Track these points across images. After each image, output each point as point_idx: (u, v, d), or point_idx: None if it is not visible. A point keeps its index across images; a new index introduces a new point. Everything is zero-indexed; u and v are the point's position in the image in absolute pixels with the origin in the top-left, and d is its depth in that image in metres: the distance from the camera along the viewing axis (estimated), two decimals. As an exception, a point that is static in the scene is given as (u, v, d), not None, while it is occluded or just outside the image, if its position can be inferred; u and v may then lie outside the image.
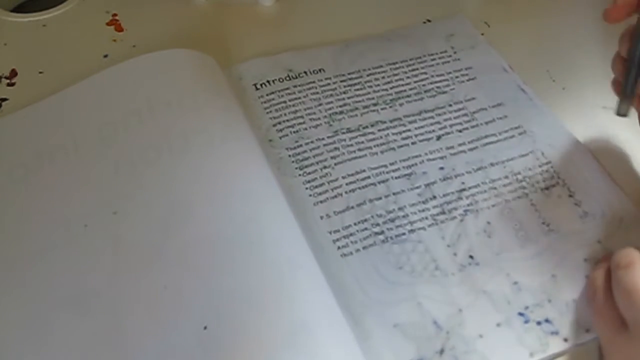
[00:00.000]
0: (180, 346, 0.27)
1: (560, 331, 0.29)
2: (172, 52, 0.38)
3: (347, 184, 0.34)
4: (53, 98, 0.37)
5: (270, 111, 0.38)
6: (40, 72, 0.40)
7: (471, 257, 0.32)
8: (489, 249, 0.32)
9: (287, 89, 0.39)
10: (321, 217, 0.33)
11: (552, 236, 0.33)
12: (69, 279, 0.29)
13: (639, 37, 0.30)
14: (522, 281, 0.31)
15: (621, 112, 0.33)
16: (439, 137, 0.37)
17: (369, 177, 0.35)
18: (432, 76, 0.41)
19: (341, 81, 0.40)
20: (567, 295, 0.30)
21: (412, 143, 0.37)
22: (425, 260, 0.31)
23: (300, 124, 0.37)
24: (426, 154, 0.36)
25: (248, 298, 0.28)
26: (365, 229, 0.32)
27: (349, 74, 0.40)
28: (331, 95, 0.39)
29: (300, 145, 0.36)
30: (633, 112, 0.32)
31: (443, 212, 0.33)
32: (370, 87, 0.40)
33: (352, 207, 0.33)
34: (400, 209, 0.33)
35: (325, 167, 0.35)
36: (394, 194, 0.34)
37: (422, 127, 0.38)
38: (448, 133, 0.37)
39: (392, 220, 0.33)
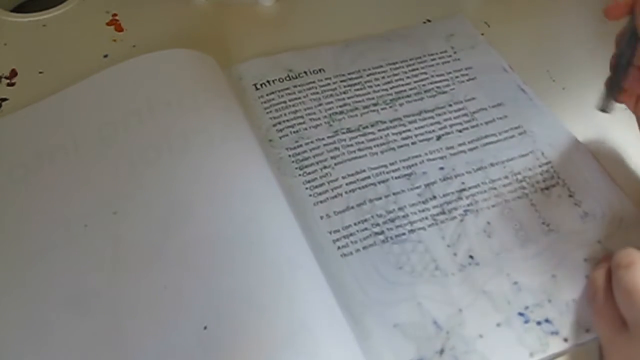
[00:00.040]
0: (180, 346, 0.27)
1: (560, 331, 0.29)
2: (172, 52, 0.38)
3: (347, 184, 0.34)
4: (53, 98, 0.37)
5: (270, 111, 0.38)
6: (40, 72, 0.40)
7: (471, 257, 0.32)
8: (489, 249, 0.32)
9: (287, 89, 0.39)
10: (321, 217, 0.33)
11: (552, 236, 0.33)
12: (69, 279, 0.29)
13: (628, 37, 0.31)
14: (522, 281, 0.31)
15: (604, 108, 0.33)
16: (439, 137, 0.37)
17: (369, 177, 0.35)
18: (432, 76, 0.41)
19: (341, 81, 0.40)
20: (567, 295, 0.30)
21: (412, 143, 0.37)
22: (425, 260, 0.31)
23: (300, 124, 0.37)
24: (426, 154, 0.36)
25: (248, 298, 0.28)
26: (365, 229, 0.32)
27: (349, 74, 0.40)
28: (331, 95, 0.39)
29: (300, 145, 0.36)
30: (630, 115, 0.32)
31: (443, 212, 0.33)
32: (370, 87, 0.40)
33: (352, 207, 0.33)
34: (400, 209, 0.33)
35: (325, 167, 0.35)
36: (394, 194, 0.34)
37: (422, 127, 0.38)
38: (448, 133, 0.37)
39: (392, 220, 0.33)
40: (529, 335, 0.29)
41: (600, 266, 0.30)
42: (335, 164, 0.35)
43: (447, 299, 0.30)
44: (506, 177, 0.35)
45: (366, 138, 0.37)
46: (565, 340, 0.29)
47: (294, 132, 0.37)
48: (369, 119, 0.38)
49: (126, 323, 0.27)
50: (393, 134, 0.37)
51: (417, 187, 0.34)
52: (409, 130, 0.37)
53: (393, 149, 0.36)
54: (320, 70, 0.40)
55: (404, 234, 0.32)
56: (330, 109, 0.38)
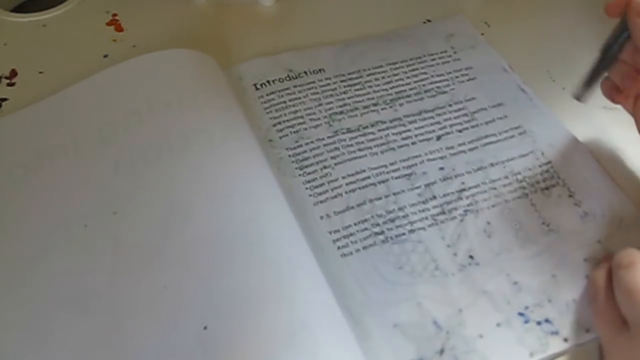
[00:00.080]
0: (180, 346, 0.27)
1: (560, 331, 0.29)
2: (172, 52, 0.38)
3: (347, 184, 0.34)
4: (53, 98, 0.37)
5: (270, 111, 0.38)
6: (40, 72, 0.40)
7: (471, 257, 0.32)
8: (489, 249, 0.32)
9: (287, 89, 0.39)
10: (321, 217, 0.33)
11: (552, 236, 0.33)
12: (69, 279, 0.29)
13: (619, 33, 0.31)
14: (522, 281, 0.31)
15: (579, 97, 0.33)
16: (439, 137, 0.37)
17: (369, 177, 0.35)
18: (432, 76, 0.41)
19: (341, 81, 0.40)
20: (567, 295, 0.30)
21: (412, 143, 0.37)
22: (425, 260, 0.31)
23: (300, 124, 0.37)
24: (426, 154, 0.36)
25: (248, 298, 0.28)
26: (365, 229, 0.32)
27: (349, 74, 0.40)
28: (331, 95, 0.39)
29: (300, 145, 0.36)
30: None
31: (443, 212, 0.33)
32: (370, 87, 0.40)
33: (352, 207, 0.33)
34: (400, 209, 0.33)
35: (325, 167, 0.35)
36: (394, 194, 0.34)
37: (422, 127, 0.38)
38: (448, 133, 0.37)
39: (392, 221, 0.33)
40: (529, 335, 0.29)
41: (600, 266, 0.30)
42: (335, 164, 0.35)
43: (447, 299, 0.30)
44: (506, 177, 0.35)
45: (366, 138, 0.37)
46: (565, 340, 0.29)
47: (294, 132, 0.37)
48: (369, 119, 0.38)
49: (126, 323, 0.27)
50: (393, 134, 0.37)
51: (417, 187, 0.34)
52: (409, 130, 0.37)
53: (393, 149, 0.36)
54: (320, 70, 0.40)
55: (404, 234, 0.32)
56: (330, 109, 0.38)
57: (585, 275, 0.31)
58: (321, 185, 0.34)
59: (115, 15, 0.44)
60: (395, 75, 0.40)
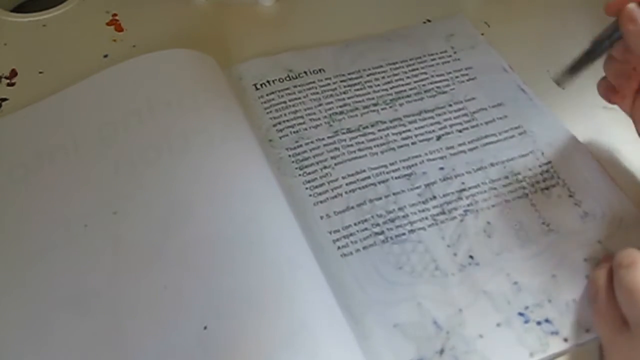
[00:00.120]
0: (180, 346, 0.27)
1: (560, 331, 0.29)
2: (172, 52, 0.38)
3: (347, 184, 0.34)
4: (53, 98, 0.37)
5: (270, 111, 0.38)
6: (40, 72, 0.40)
7: (471, 257, 0.32)
8: (489, 249, 0.32)
9: (287, 89, 0.39)
10: (321, 217, 0.33)
11: (552, 236, 0.33)
12: (69, 279, 0.29)
13: (612, 31, 0.31)
14: (522, 281, 0.31)
15: (559, 82, 0.33)
16: (439, 137, 0.37)
17: (369, 177, 0.35)
18: (432, 76, 0.41)
19: (341, 81, 0.40)
20: (567, 295, 0.30)
21: (412, 143, 0.37)
22: (425, 261, 0.31)
23: (300, 124, 0.37)
24: (426, 154, 0.36)
25: (248, 298, 0.28)
26: (365, 229, 0.32)
27: (349, 74, 0.40)
28: (331, 95, 0.39)
29: (300, 146, 0.36)
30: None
31: (443, 212, 0.33)
32: (370, 87, 0.40)
33: (352, 207, 0.33)
34: (400, 209, 0.33)
35: (325, 167, 0.35)
36: (394, 194, 0.34)
37: (422, 127, 0.38)
38: (448, 133, 0.37)
39: (392, 221, 0.33)
40: (529, 335, 0.29)
41: (601, 266, 0.30)
42: (336, 164, 0.35)
43: (447, 299, 0.30)
44: (506, 177, 0.35)
45: (366, 138, 0.37)
46: (565, 340, 0.29)
47: (294, 132, 0.37)
48: (369, 119, 0.38)
49: (126, 323, 0.27)
50: (393, 134, 0.37)
51: (417, 187, 0.34)
52: (409, 130, 0.37)
53: (393, 149, 0.36)
54: (320, 70, 0.40)
55: (404, 234, 0.32)
56: (330, 109, 0.38)
57: (585, 275, 0.31)
58: (321, 185, 0.34)
59: (115, 15, 0.44)
60: (395, 75, 0.40)
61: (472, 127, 0.38)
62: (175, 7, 0.45)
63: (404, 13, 0.46)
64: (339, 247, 0.31)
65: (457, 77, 0.41)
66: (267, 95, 0.38)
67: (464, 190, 0.34)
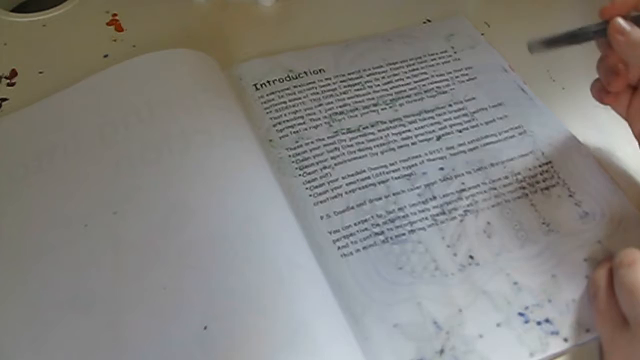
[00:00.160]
0: (180, 346, 0.27)
1: (560, 331, 0.29)
2: (172, 52, 0.38)
3: (347, 184, 0.34)
4: (53, 98, 0.37)
5: (270, 111, 0.38)
6: (40, 72, 0.40)
7: (471, 257, 0.32)
8: (489, 249, 0.32)
9: (287, 89, 0.39)
10: (321, 217, 0.33)
11: (552, 236, 0.33)
12: (69, 279, 0.29)
13: (602, 28, 0.31)
14: (522, 281, 0.31)
15: (531, 48, 0.33)
16: (439, 137, 0.37)
17: (369, 178, 0.35)
18: (432, 76, 0.41)
19: (341, 81, 0.40)
20: (567, 295, 0.30)
21: (412, 143, 0.37)
22: (425, 261, 0.31)
23: (300, 124, 0.37)
24: (426, 154, 0.36)
25: (248, 298, 0.28)
26: (365, 229, 0.32)
27: (349, 74, 0.40)
28: (331, 95, 0.39)
29: (300, 146, 0.36)
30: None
31: (443, 213, 0.33)
32: (370, 87, 0.40)
33: (352, 208, 0.33)
34: (400, 209, 0.33)
35: (325, 168, 0.35)
36: (394, 194, 0.34)
37: (422, 127, 0.38)
38: (448, 133, 0.37)
39: (392, 221, 0.33)
40: (529, 335, 0.29)
41: (602, 265, 0.30)
42: (336, 164, 0.35)
43: (447, 299, 0.30)
44: (506, 177, 0.35)
45: (366, 138, 0.37)
46: (565, 340, 0.29)
47: (294, 132, 0.37)
48: (369, 119, 0.38)
49: (126, 323, 0.27)
50: (393, 134, 0.37)
51: (417, 188, 0.34)
52: (409, 131, 0.37)
53: (393, 149, 0.36)
54: (320, 70, 0.40)
55: (404, 234, 0.32)
56: (330, 109, 0.38)
57: (585, 275, 0.31)
58: (321, 185, 0.34)
59: (115, 15, 0.44)
60: (395, 75, 0.41)
61: (472, 127, 0.38)
62: (176, 7, 0.45)
63: (404, 13, 0.46)
64: (339, 247, 0.31)
65: (457, 77, 0.41)
66: (267, 95, 0.38)
67: (464, 190, 0.34)
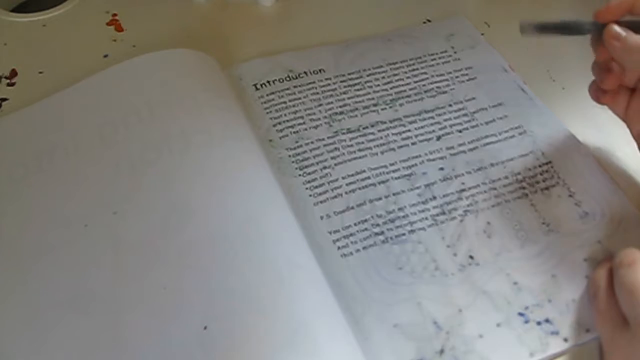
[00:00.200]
0: (180, 346, 0.27)
1: (560, 331, 0.29)
2: (172, 52, 0.38)
3: (347, 185, 0.34)
4: (53, 98, 0.37)
5: (270, 111, 0.38)
6: (40, 72, 0.40)
7: (471, 257, 0.32)
8: (489, 249, 0.32)
9: (287, 89, 0.39)
10: (321, 217, 0.33)
11: (552, 236, 0.33)
12: (69, 279, 0.29)
13: (598, 27, 0.32)
14: (522, 281, 0.31)
15: (523, 29, 0.33)
16: (439, 138, 0.37)
17: (369, 178, 0.35)
18: (432, 76, 0.41)
19: (341, 81, 0.40)
20: (567, 295, 0.30)
21: (412, 143, 0.37)
22: (425, 261, 0.31)
23: (300, 124, 0.37)
24: (426, 154, 0.36)
25: (248, 298, 0.28)
26: (365, 229, 0.32)
27: (349, 74, 0.40)
28: (331, 95, 0.39)
29: (300, 146, 0.36)
30: None
31: (443, 213, 0.33)
32: (370, 87, 0.40)
33: (352, 208, 0.33)
34: (400, 209, 0.33)
35: (325, 168, 0.35)
36: (394, 194, 0.34)
37: (422, 127, 0.38)
38: (448, 133, 0.37)
39: (392, 221, 0.33)
40: (529, 335, 0.29)
41: (602, 265, 0.30)
42: (336, 164, 0.35)
43: (447, 299, 0.30)
44: (506, 177, 0.35)
45: (366, 138, 0.37)
46: (565, 340, 0.29)
47: (294, 132, 0.37)
48: (369, 119, 0.38)
49: (126, 323, 0.27)
50: (393, 134, 0.37)
51: (417, 188, 0.34)
52: (409, 131, 0.37)
53: (393, 149, 0.36)
54: (320, 70, 0.40)
55: (404, 234, 0.32)
56: (330, 109, 0.38)
57: (585, 275, 0.31)
58: (321, 185, 0.34)
59: (115, 15, 0.44)
60: (395, 75, 0.41)
61: (472, 127, 0.38)
62: (176, 7, 0.45)
63: (404, 13, 0.46)
64: (339, 247, 0.31)
65: (457, 77, 0.41)
66: (267, 95, 0.38)
67: (464, 190, 0.34)
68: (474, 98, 0.39)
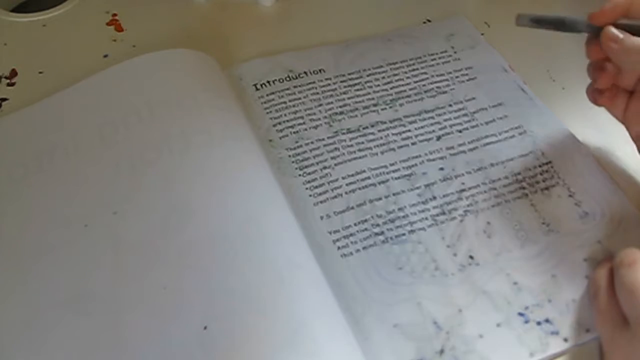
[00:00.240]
0: (180, 346, 0.27)
1: (560, 331, 0.29)
2: (172, 52, 0.38)
3: (347, 185, 0.34)
4: (53, 98, 0.37)
5: (270, 111, 0.38)
6: (40, 72, 0.40)
7: (471, 257, 0.32)
8: (489, 249, 0.32)
9: (287, 89, 0.39)
10: (321, 217, 0.33)
11: (552, 236, 0.33)
12: (69, 278, 0.29)
13: (592, 27, 0.32)
14: (522, 281, 0.31)
15: (518, 20, 0.34)
16: (439, 138, 0.37)
17: (369, 178, 0.35)
18: (432, 76, 0.41)
19: (341, 81, 0.40)
20: (567, 295, 0.30)
21: (412, 143, 0.37)
22: (425, 261, 0.31)
23: (300, 124, 0.37)
24: (426, 154, 0.36)
25: (248, 298, 0.28)
26: (365, 229, 0.32)
27: (349, 74, 0.40)
28: (331, 95, 0.39)
29: (301, 146, 0.36)
30: None
31: (443, 213, 0.33)
32: (371, 87, 0.40)
33: (352, 208, 0.33)
34: (400, 209, 0.33)
35: (325, 168, 0.35)
36: (394, 194, 0.34)
37: (422, 127, 0.38)
38: (448, 133, 0.37)
39: (392, 221, 0.33)
40: (529, 335, 0.29)
41: (602, 265, 0.30)
42: (335, 165, 0.35)
43: (447, 299, 0.30)
44: (506, 177, 0.35)
45: (366, 138, 0.37)
46: (565, 340, 0.29)
47: (294, 132, 0.37)
48: (369, 119, 0.38)
49: (126, 323, 0.27)
50: (393, 134, 0.37)
51: (417, 188, 0.34)
52: (409, 131, 0.37)
53: (393, 149, 0.36)
54: (320, 70, 0.40)
55: (404, 234, 0.32)
56: (330, 109, 0.38)
57: (585, 275, 0.31)
58: (321, 185, 0.34)
59: (115, 15, 0.44)
60: (395, 75, 0.41)
61: (472, 127, 0.38)
62: (175, 7, 0.45)
63: (404, 13, 0.46)
64: (339, 247, 0.31)
65: (457, 77, 0.41)
66: (267, 95, 0.38)
67: (464, 190, 0.34)
68: (474, 98, 0.39)
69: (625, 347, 0.26)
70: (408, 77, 0.40)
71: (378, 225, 0.33)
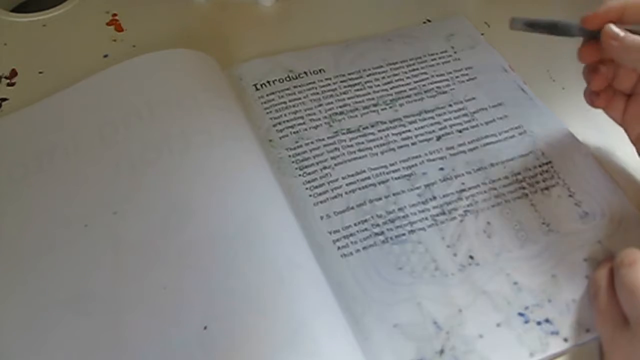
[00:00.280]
0: (180, 346, 0.27)
1: (560, 331, 0.29)
2: (172, 52, 0.38)
3: (347, 185, 0.34)
4: (53, 98, 0.37)
5: (270, 111, 0.38)
6: (40, 72, 0.40)
7: (471, 257, 0.32)
8: (489, 249, 0.32)
9: (287, 89, 0.39)
10: (321, 218, 0.33)
11: (552, 236, 0.33)
12: (69, 278, 0.29)
13: (585, 31, 0.32)
14: (522, 281, 0.31)
15: (512, 23, 0.34)
16: (439, 138, 0.37)
17: (369, 178, 0.35)
18: (432, 76, 0.41)
19: (341, 81, 0.40)
20: (567, 295, 0.30)
21: (412, 143, 0.37)
22: (425, 261, 0.31)
23: (300, 124, 0.37)
24: (426, 154, 0.36)
25: (248, 298, 0.28)
26: (365, 229, 0.32)
27: (349, 74, 0.40)
28: (331, 95, 0.39)
29: (300, 146, 0.36)
30: None
31: (443, 213, 0.33)
32: (370, 87, 0.40)
33: (352, 208, 0.33)
34: (400, 209, 0.33)
35: (325, 168, 0.35)
36: (394, 194, 0.34)
37: (422, 127, 0.38)
38: (448, 133, 0.37)
39: (392, 221, 0.33)
40: (529, 335, 0.29)
41: (602, 265, 0.30)
42: (336, 165, 0.35)
43: (447, 299, 0.30)
44: (506, 177, 0.35)
45: (366, 139, 0.37)
46: (565, 340, 0.29)
47: (294, 132, 0.37)
48: (369, 119, 0.38)
49: (126, 323, 0.27)
50: (393, 134, 0.37)
51: (417, 188, 0.34)
52: (409, 131, 0.37)
53: (393, 149, 0.36)
54: (320, 70, 0.40)
55: (404, 234, 0.32)
56: (330, 109, 0.38)
57: (585, 275, 0.31)
58: (321, 185, 0.34)
59: (115, 15, 0.44)
60: (395, 75, 0.41)
61: (472, 127, 0.38)
62: (175, 7, 0.45)
63: (404, 13, 0.46)
64: (339, 248, 0.31)
65: (457, 77, 0.41)
66: (267, 95, 0.38)
67: (463, 190, 0.34)
68: (474, 98, 0.39)
69: (626, 347, 0.26)
70: (408, 77, 0.40)
71: (378, 225, 0.33)
